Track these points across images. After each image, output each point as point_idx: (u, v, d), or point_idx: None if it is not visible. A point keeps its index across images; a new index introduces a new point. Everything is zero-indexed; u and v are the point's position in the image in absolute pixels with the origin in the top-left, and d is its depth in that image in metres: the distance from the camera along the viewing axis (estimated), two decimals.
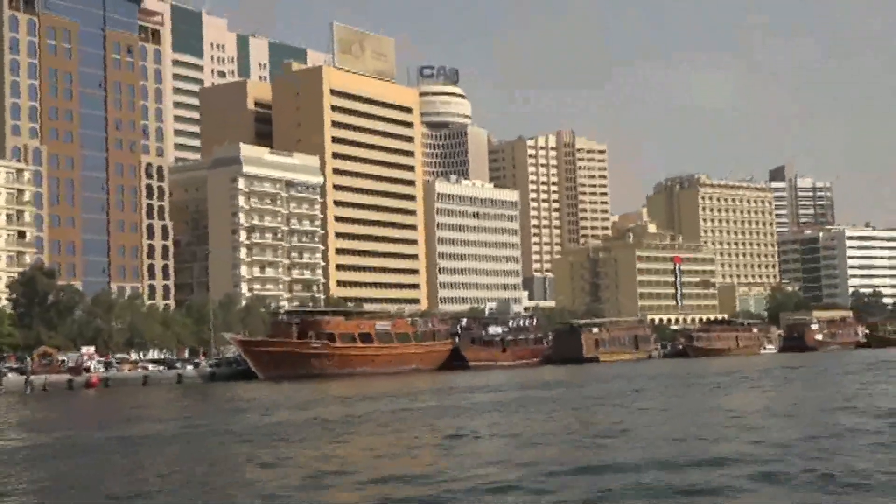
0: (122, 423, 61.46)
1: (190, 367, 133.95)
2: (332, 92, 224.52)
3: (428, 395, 79.24)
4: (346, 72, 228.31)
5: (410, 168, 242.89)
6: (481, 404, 66.16)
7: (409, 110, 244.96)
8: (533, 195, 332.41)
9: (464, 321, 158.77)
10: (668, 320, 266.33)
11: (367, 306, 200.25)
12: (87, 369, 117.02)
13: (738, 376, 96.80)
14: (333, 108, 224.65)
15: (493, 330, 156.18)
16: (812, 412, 53.21)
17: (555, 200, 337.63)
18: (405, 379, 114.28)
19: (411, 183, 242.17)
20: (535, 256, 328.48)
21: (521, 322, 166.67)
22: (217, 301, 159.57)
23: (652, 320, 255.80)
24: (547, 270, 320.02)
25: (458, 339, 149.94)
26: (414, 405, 67.38)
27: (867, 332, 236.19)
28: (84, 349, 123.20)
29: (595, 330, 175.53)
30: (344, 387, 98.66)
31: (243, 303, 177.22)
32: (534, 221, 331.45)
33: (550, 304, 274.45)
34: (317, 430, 49.83)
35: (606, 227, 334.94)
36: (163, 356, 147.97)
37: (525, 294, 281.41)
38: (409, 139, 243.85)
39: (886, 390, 70.42)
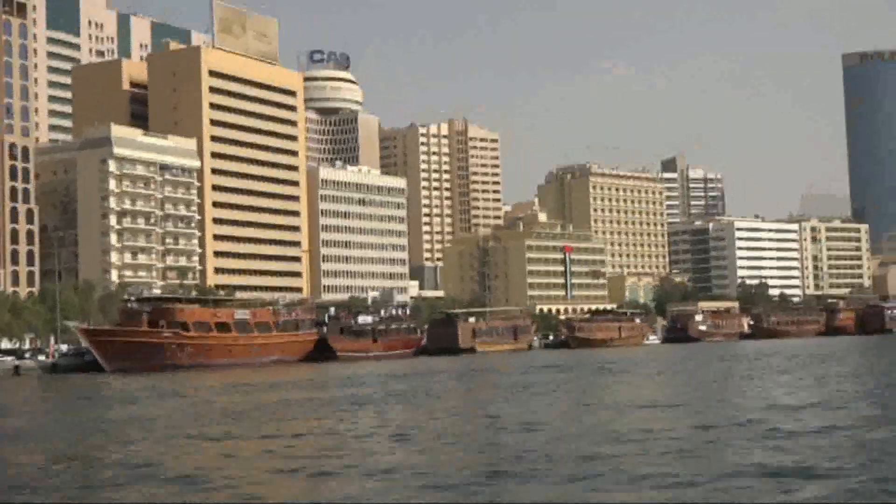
0: None
1: (41, 358, 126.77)
2: (211, 73, 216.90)
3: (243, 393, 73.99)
4: (226, 52, 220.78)
5: (293, 153, 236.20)
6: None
7: (292, 93, 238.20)
8: (425, 183, 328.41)
9: (332, 310, 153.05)
10: (558, 310, 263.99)
11: (246, 294, 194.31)
12: None
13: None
14: (212, 89, 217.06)
15: (364, 319, 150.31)
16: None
17: (447, 189, 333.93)
18: (253, 371, 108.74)
19: (294, 168, 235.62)
20: (427, 245, 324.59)
21: (395, 311, 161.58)
22: (75, 287, 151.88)
23: (541, 310, 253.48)
24: (438, 259, 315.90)
25: (325, 328, 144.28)
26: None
27: (752, 323, 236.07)
28: None
29: (472, 320, 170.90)
30: (169, 381, 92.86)
31: (112, 289, 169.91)
32: (425, 210, 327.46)
33: (440, 293, 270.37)
34: None
35: (499, 217, 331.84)
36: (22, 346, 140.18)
37: (415, 283, 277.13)
38: (293, 123, 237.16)
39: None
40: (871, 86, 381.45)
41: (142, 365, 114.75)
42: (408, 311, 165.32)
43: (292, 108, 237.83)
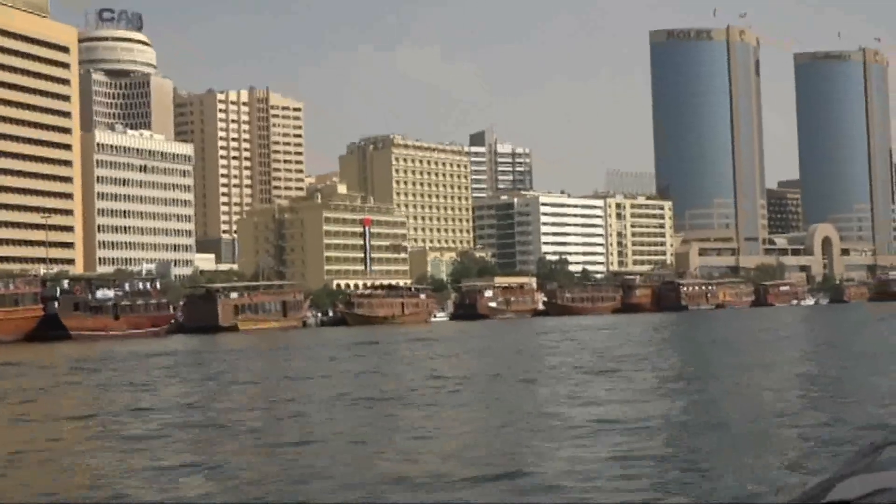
0: None
1: None
2: None
3: None
4: None
5: (66, 114, 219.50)
6: None
7: (65, 49, 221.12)
8: (223, 152, 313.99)
9: (65, 283, 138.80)
10: (356, 285, 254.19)
11: (7, 266, 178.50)
12: None
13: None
14: None
15: (104, 294, 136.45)
16: None
17: (246, 158, 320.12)
18: None
19: (67, 131, 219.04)
20: (225, 217, 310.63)
21: (142, 286, 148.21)
22: None
23: (338, 285, 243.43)
24: (235, 232, 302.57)
25: (57, 304, 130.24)
26: None
27: (545, 299, 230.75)
28: None
29: (234, 295, 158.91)
30: None
31: None
32: (223, 180, 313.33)
33: (234, 266, 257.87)
34: None
35: (301, 188, 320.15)
36: None
37: (211, 256, 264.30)
38: (65, 82, 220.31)
39: None
40: (677, 64, 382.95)
41: None
42: (157, 286, 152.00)
43: (65, 66, 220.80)
